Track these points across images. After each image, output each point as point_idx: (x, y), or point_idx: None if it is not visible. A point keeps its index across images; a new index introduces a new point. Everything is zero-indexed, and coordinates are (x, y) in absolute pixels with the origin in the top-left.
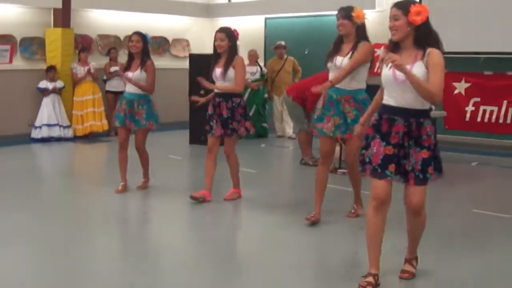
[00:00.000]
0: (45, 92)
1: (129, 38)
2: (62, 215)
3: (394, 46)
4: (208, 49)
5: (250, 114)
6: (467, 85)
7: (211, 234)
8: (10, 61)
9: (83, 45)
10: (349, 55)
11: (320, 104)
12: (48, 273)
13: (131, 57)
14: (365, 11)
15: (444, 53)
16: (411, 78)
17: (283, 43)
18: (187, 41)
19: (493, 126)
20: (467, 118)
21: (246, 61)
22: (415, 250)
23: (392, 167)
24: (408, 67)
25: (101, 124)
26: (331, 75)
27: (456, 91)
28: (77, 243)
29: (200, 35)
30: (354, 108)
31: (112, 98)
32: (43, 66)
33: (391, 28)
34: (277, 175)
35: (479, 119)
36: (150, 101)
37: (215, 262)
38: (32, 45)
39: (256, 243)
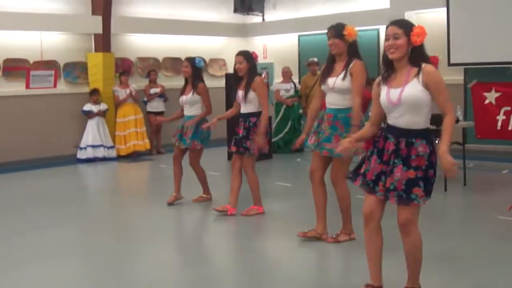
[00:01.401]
0: (90, 114)
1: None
2: (110, 229)
3: (387, 64)
4: None
5: (286, 129)
6: (498, 94)
7: (244, 245)
8: (55, 86)
9: (123, 68)
10: (341, 76)
11: (326, 124)
12: (100, 284)
13: (186, 81)
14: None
15: (474, 63)
16: (447, 146)
17: (316, 59)
18: (223, 60)
19: None
20: (498, 127)
21: (281, 78)
22: (414, 278)
23: (381, 184)
24: (400, 88)
25: (143, 144)
26: (327, 97)
27: (486, 101)
28: (126, 255)
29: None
30: (330, 127)
31: (153, 119)
32: (86, 90)
33: (390, 46)
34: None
35: (510, 128)
36: (199, 122)
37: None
38: (75, 70)
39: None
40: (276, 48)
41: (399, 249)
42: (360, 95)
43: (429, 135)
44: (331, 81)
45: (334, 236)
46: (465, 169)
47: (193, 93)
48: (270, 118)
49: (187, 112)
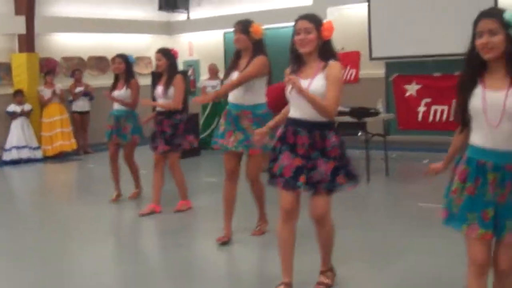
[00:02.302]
0: (13, 115)
1: (112, 60)
2: (39, 230)
3: (297, 58)
4: None
5: (213, 125)
6: (418, 86)
7: (173, 241)
8: None
9: (48, 68)
10: (243, 69)
11: (222, 119)
12: (32, 285)
13: (116, 77)
14: None
15: (395, 57)
16: (308, 97)
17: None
18: (149, 58)
19: (444, 124)
20: (420, 118)
21: (207, 75)
22: (327, 261)
23: (302, 178)
24: (309, 80)
25: (70, 144)
26: (234, 92)
27: (408, 93)
28: (56, 255)
29: None
30: (253, 123)
31: (79, 118)
32: (10, 91)
33: (301, 41)
34: None
35: (431, 119)
36: (135, 117)
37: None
38: None
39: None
40: (202, 45)
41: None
42: (245, 78)
43: (335, 126)
44: (235, 75)
45: (257, 229)
46: (387, 159)
47: (126, 88)
48: (197, 115)
49: (117, 106)
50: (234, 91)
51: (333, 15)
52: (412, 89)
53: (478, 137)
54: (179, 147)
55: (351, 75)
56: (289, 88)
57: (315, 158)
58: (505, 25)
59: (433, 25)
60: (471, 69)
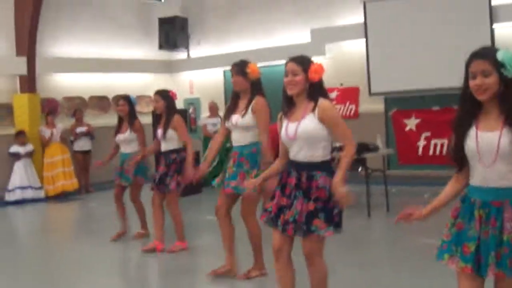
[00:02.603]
0: (17, 156)
1: (116, 102)
2: (40, 271)
3: (287, 99)
4: None
5: (214, 163)
6: (418, 120)
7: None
8: None
9: (49, 108)
10: (243, 113)
11: (231, 162)
12: None
13: (120, 119)
14: (314, 57)
15: (394, 92)
16: (344, 172)
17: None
18: (150, 97)
19: (444, 158)
20: (420, 153)
21: (207, 113)
22: None
23: (282, 217)
24: (296, 123)
25: (71, 183)
26: (232, 135)
27: (407, 128)
28: None
29: None
30: (235, 164)
31: (81, 158)
32: (12, 131)
33: (289, 83)
34: None
35: (431, 152)
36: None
37: None
38: (1, 111)
39: None
40: (202, 83)
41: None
42: (267, 131)
43: (330, 167)
44: (234, 118)
45: (245, 272)
46: (387, 195)
47: (130, 131)
48: (197, 153)
49: (124, 150)
50: (237, 133)
51: (331, 52)
52: (411, 123)
53: (473, 177)
54: (166, 187)
55: (350, 110)
56: (282, 131)
57: (294, 197)
58: (497, 65)
59: (431, 59)
60: (466, 110)
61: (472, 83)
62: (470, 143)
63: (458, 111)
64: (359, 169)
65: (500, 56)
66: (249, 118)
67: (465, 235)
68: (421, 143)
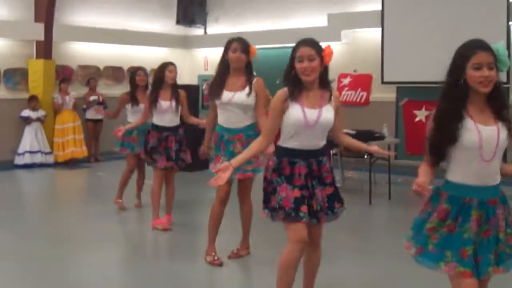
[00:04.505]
0: (27, 120)
1: (133, 72)
2: (46, 234)
3: (295, 83)
4: (185, 79)
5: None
6: (428, 112)
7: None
8: None
9: (64, 76)
10: (245, 91)
11: (212, 144)
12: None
13: (133, 90)
14: (330, 43)
15: (406, 82)
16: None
17: (254, 73)
18: None
19: None
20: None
21: None
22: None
23: (304, 208)
24: (317, 110)
25: (81, 151)
26: (226, 116)
27: (417, 119)
28: (62, 260)
29: (177, 66)
30: (244, 147)
31: (92, 126)
32: (26, 96)
33: (305, 69)
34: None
35: None
36: (145, 131)
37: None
38: (15, 76)
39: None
40: (217, 60)
41: None
42: (266, 114)
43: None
44: (228, 95)
45: (234, 251)
46: (390, 183)
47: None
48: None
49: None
50: (235, 113)
51: (347, 37)
52: (421, 114)
53: (463, 175)
54: (184, 162)
55: (361, 97)
56: (297, 116)
57: (313, 187)
58: (496, 59)
59: (445, 52)
60: (455, 101)
61: (478, 73)
62: (469, 136)
63: (444, 102)
64: (365, 156)
65: (497, 50)
66: (252, 98)
67: (460, 238)
68: None
